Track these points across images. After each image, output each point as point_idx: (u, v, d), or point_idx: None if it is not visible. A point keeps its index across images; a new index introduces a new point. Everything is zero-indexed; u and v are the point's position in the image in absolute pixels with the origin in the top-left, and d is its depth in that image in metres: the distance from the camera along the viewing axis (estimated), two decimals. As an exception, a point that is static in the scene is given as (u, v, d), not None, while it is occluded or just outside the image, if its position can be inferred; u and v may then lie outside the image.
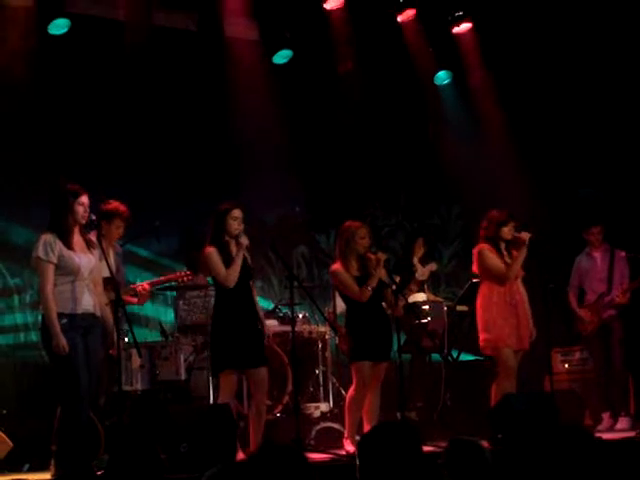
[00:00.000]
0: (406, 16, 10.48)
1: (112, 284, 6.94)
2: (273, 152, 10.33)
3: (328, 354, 9.62)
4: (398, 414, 8.01)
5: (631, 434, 8.50)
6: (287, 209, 11.06)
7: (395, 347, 7.99)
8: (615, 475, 4.31)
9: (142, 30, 9.45)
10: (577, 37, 10.74)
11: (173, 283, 8.89)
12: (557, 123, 11.35)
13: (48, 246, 6.52)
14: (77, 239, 6.67)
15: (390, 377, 8.12)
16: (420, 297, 10.06)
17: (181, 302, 9.26)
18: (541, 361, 8.68)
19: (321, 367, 9.51)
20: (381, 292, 7.88)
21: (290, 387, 8.88)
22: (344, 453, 7.68)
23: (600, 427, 9.31)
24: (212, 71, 10.20)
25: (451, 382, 9.78)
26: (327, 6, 10.16)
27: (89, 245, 6.72)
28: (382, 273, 7.82)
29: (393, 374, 8.15)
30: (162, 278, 8.75)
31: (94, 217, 6.75)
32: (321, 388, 9.48)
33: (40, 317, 6.72)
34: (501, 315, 8.10)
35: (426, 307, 9.96)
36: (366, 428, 7.63)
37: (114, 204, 8.01)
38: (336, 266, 7.92)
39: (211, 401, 8.47)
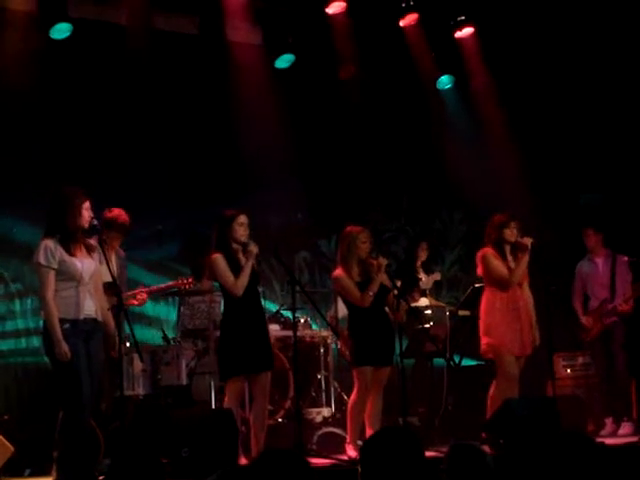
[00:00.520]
0: (409, 20, 10.48)
1: (114, 289, 6.92)
2: (275, 157, 10.32)
3: (330, 359, 9.62)
4: (400, 419, 7.99)
5: (634, 439, 8.48)
6: (289, 214, 11.05)
7: (397, 352, 7.98)
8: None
9: (144, 34, 9.45)
10: (579, 42, 10.73)
11: (174, 289, 8.88)
12: (560, 127, 11.34)
13: (49, 252, 6.50)
14: (78, 244, 6.66)
15: (392, 382, 8.11)
16: (422, 302, 10.06)
17: (183, 307, 9.26)
18: (543, 366, 8.65)
19: (323, 372, 9.51)
20: (383, 297, 7.87)
21: (292, 392, 8.87)
22: (346, 458, 7.66)
23: (603, 432, 9.30)
24: (214, 75, 10.20)
25: (453, 387, 9.76)
26: (329, 10, 10.15)
27: (89, 249, 6.71)
28: (383, 278, 7.81)
29: (395, 379, 8.13)
30: (162, 286, 8.74)
31: (96, 222, 6.73)
32: (323, 393, 9.48)
33: (42, 322, 6.71)
34: (504, 321, 8.07)
35: (428, 312, 9.96)
36: (368, 433, 7.62)
37: (115, 212, 8.01)
38: (338, 272, 7.91)
39: (213, 406, 8.46)
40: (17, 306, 9.56)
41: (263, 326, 7.57)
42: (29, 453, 7.86)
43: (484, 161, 11.19)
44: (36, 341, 8.91)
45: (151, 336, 9.70)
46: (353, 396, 7.81)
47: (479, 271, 8.30)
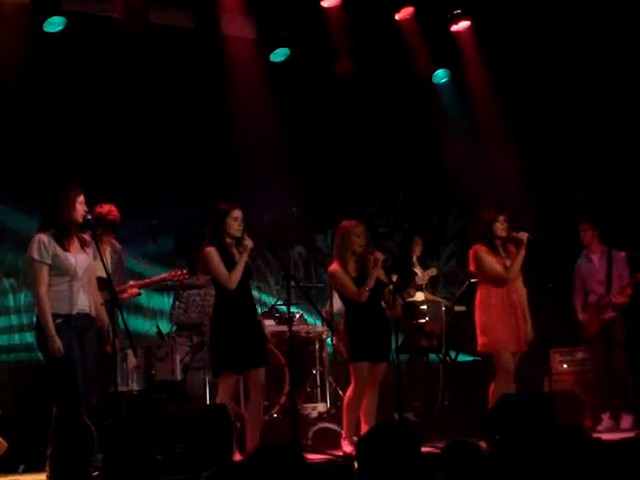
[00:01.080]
0: (404, 14, 10.46)
1: (107, 285, 6.90)
2: (270, 151, 10.30)
3: (325, 354, 9.60)
4: (396, 414, 7.98)
5: (631, 435, 8.48)
6: (284, 209, 11.01)
7: (393, 347, 7.95)
8: (614, 476, 4.27)
9: (138, 28, 9.42)
10: (576, 35, 10.71)
11: (169, 282, 8.85)
12: (556, 122, 11.33)
13: (42, 247, 6.48)
14: (72, 238, 6.63)
15: (388, 377, 8.09)
16: (418, 297, 10.04)
17: (177, 301, 9.23)
18: (540, 362, 8.64)
19: (318, 367, 9.49)
20: (380, 292, 7.85)
21: (287, 387, 8.85)
22: (341, 454, 7.65)
23: (600, 427, 9.28)
24: (209, 69, 10.16)
25: (449, 382, 9.76)
26: (324, 4, 10.13)
27: (83, 244, 6.68)
28: (380, 273, 7.79)
29: (391, 374, 8.11)
30: (154, 278, 8.70)
31: (90, 217, 6.71)
32: (318, 388, 9.47)
33: (35, 318, 6.68)
34: (500, 318, 8.04)
35: (424, 307, 9.95)
36: (364, 429, 7.61)
37: (106, 208, 8.00)
38: (334, 267, 7.89)
39: (207, 401, 8.44)
40: (10, 302, 9.52)
41: (255, 321, 7.55)
42: (23, 449, 7.86)
43: (480, 155, 11.17)
44: (29, 337, 8.86)
45: (147, 328, 9.67)
46: (349, 392, 7.78)
47: (472, 268, 8.27)
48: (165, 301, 9.94)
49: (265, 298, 10.15)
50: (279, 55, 10.39)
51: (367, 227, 8.13)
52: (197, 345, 8.94)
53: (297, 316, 9.53)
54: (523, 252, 8.06)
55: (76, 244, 6.65)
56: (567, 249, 10.51)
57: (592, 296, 9.78)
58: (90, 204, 6.91)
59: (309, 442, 8.52)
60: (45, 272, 6.49)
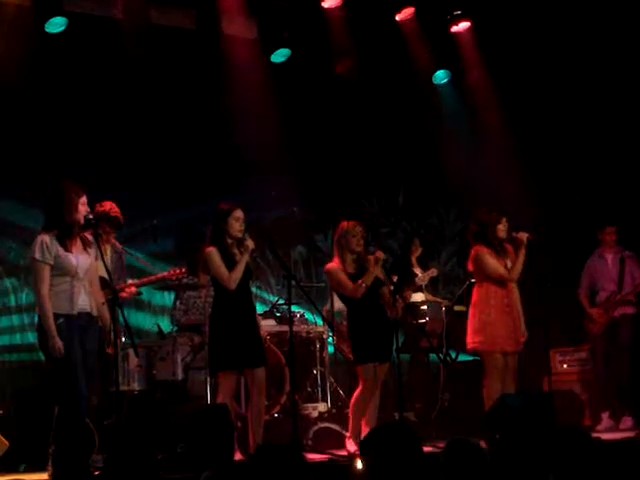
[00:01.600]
0: (405, 15, 10.46)
1: (108, 285, 6.91)
2: (271, 151, 10.30)
3: (326, 354, 9.61)
4: (396, 414, 7.99)
5: (631, 434, 8.49)
6: (285, 208, 11.02)
7: (394, 347, 7.96)
8: (613, 475, 4.29)
9: (139, 28, 9.42)
10: (576, 35, 10.71)
11: (168, 281, 8.86)
12: (556, 122, 11.32)
13: (45, 247, 6.51)
14: (74, 239, 6.65)
15: (388, 378, 8.10)
16: (418, 297, 10.04)
17: (178, 302, 9.24)
18: (540, 362, 8.65)
19: (319, 367, 9.50)
20: (378, 291, 7.85)
21: (288, 387, 8.86)
22: (343, 453, 7.66)
23: (599, 427, 9.30)
24: (210, 69, 10.17)
25: (449, 382, 9.76)
26: (325, 4, 10.14)
27: (85, 244, 6.70)
28: (379, 272, 7.79)
29: (391, 375, 8.13)
30: (153, 278, 8.70)
31: (92, 217, 6.73)
32: (319, 388, 9.47)
33: (36, 318, 6.69)
34: (499, 318, 8.07)
35: (424, 307, 9.96)
36: (364, 428, 7.63)
37: (107, 205, 8.00)
38: (331, 264, 7.90)
39: (208, 401, 8.45)
40: (12, 302, 9.54)
41: (253, 322, 7.54)
42: (24, 448, 7.86)
43: (480, 155, 11.18)
44: (31, 337, 8.88)
45: (148, 326, 9.69)
46: (358, 392, 7.78)
47: (470, 268, 8.29)
48: (166, 298, 9.96)
49: (265, 295, 10.15)
50: (280, 56, 10.40)
51: (367, 227, 8.15)
52: (198, 345, 8.95)
53: (298, 316, 9.54)
54: (524, 252, 8.09)
55: (78, 244, 6.67)
56: (567, 249, 10.52)
57: (602, 294, 9.81)
58: (91, 204, 6.93)
59: (309, 442, 8.53)
60: (47, 272, 6.51)
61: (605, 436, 8.10)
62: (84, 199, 6.66)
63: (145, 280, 8.61)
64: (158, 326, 9.32)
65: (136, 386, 8.56)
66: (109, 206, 8.07)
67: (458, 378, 9.89)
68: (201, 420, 6.95)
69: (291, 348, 7.79)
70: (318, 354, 9.54)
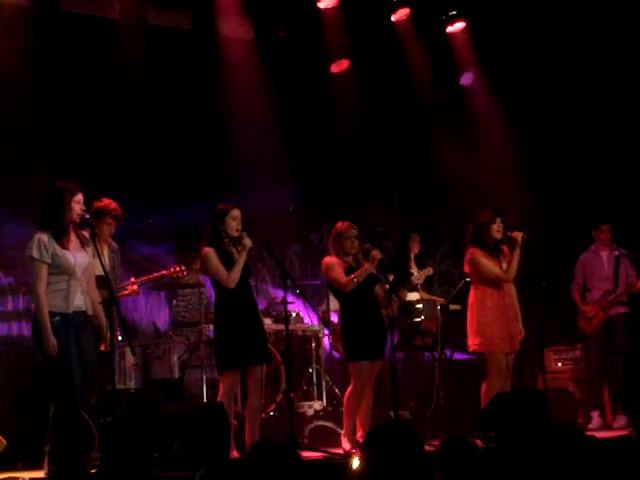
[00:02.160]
0: (400, 15, 10.49)
1: (105, 283, 6.93)
2: (267, 151, 10.32)
3: (322, 353, 9.63)
4: (391, 413, 8.01)
5: (624, 432, 8.53)
6: (281, 208, 11.05)
7: (389, 346, 7.99)
8: (606, 473, 4.32)
9: (136, 29, 9.44)
10: (572, 35, 10.74)
11: (167, 279, 8.88)
12: (552, 122, 11.35)
13: (42, 245, 6.51)
14: (71, 237, 6.67)
15: (383, 376, 8.12)
16: (413, 296, 10.06)
17: (175, 300, 9.26)
18: (535, 360, 8.68)
19: (315, 365, 9.53)
20: (372, 288, 7.87)
21: (284, 385, 8.88)
22: (338, 451, 7.68)
23: (590, 425, 9.34)
24: (206, 70, 10.19)
25: (444, 381, 9.78)
26: (321, 5, 10.15)
27: (83, 242, 6.72)
28: (373, 270, 7.80)
29: (386, 373, 8.15)
30: (153, 275, 8.72)
31: (88, 215, 6.74)
32: (314, 386, 9.50)
33: (33, 316, 6.71)
34: (496, 320, 8.07)
35: (419, 306, 9.98)
36: (357, 426, 7.66)
37: (105, 201, 8.01)
38: (329, 257, 7.93)
39: (204, 399, 8.47)
40: (9, 300, 9.53)
41: (257, 319, 7.58)
42: (21, 447, 7.86)
43: (475, 155, 11.19)
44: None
45: (144, 324, 9.71)
46: (349, 390, 7.81)
47: (466, 270, 8.31)
48: (162, 297, 9.97)
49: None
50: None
51: (362, 227, 8.16)
52: (194, 343, 8.98)
53: (294, 315, 9.57)
54: (519, 252, 8.11)
55: (75, 242, 6.68)
56: (564, 248, 10.54)
57: (595, 292, 9.82)
58: (88, 203, 6.94)
59: (305, 440, 8.55)
60: (44, 271, 6.52)
61: (597, 434, 8.13)
62: (79, 197, 6.65)
63: (146, 278, 8.63)
64: (154, 324, 9.33)
65: (133, 384, 8.57)
66: (107, 201, 8.08)
67: (453, 376, 9.92)
68: (197, 418, 6.97)
69: (287, 347, 7.80)
70: (314, 353, 9.56)
